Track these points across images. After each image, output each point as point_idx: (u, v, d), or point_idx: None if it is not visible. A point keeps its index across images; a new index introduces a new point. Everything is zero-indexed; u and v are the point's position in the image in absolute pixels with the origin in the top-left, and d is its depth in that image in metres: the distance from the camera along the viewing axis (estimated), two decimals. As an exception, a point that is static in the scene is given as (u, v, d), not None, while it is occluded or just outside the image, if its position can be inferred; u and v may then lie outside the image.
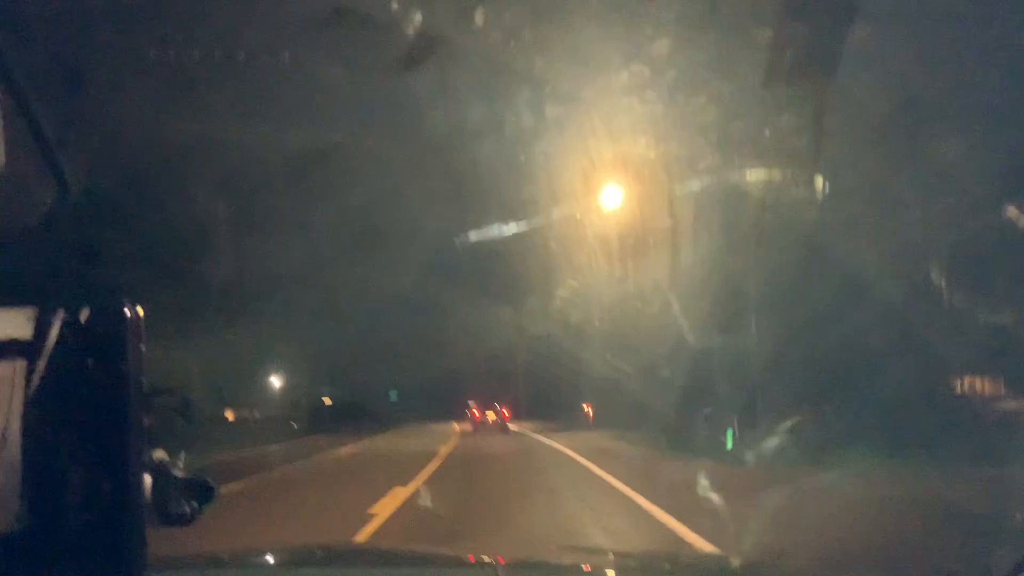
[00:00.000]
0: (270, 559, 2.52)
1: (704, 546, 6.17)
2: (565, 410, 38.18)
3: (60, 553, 1.06)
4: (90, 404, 1.06)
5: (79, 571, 1.07)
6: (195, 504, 1.20)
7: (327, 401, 39.03)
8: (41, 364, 1.05)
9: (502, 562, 2.62)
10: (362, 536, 7.03)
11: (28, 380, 1.05)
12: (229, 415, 26.34)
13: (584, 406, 32.82)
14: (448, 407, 48.17)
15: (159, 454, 1.17)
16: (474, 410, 41.03)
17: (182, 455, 1.20)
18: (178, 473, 1.18)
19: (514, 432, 33.15)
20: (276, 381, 36.06)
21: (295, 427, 30.93)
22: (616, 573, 2.23)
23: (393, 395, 50.02)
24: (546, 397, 45.11)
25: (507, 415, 40.30)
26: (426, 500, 9.40)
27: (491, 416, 39.55)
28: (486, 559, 2.74)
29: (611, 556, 2.59)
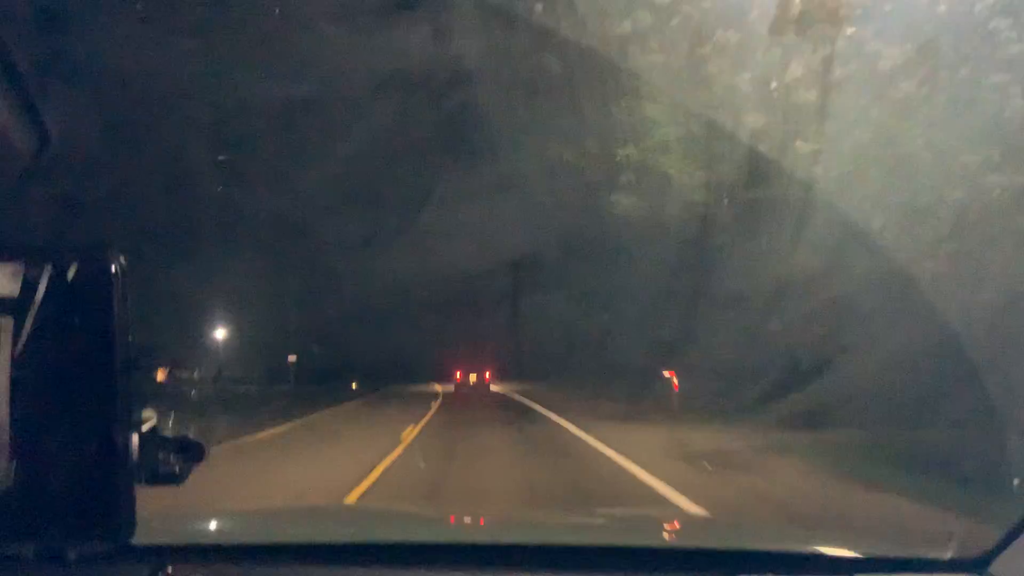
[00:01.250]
0: (258, 518, 2.52)
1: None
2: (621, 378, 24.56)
3: (48, 511, 1.05)
4: (77, 361, 1.05)
5: (67, 529, 1.07)
6: (184, 463, 1.19)
7: (291, 359, 36.26)
8: (28, 321, 1.03)
9: (482, 523, 2.65)
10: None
11: (15, 337, 1.03)
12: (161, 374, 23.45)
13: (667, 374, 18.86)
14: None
15: (148, 413, 1.16)
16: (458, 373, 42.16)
17: (172, 414, 1.19)
18: (167, 432, 1.17)
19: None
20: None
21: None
22: (599, 531, 2.25)
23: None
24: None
25: (488, 378, 41.87)
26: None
27: (473, 378, 41.07)
28: (467, 520, 2.76)
29: (595, 513, 2.61)
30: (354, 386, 41.50)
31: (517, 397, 30.29)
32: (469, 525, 2.51)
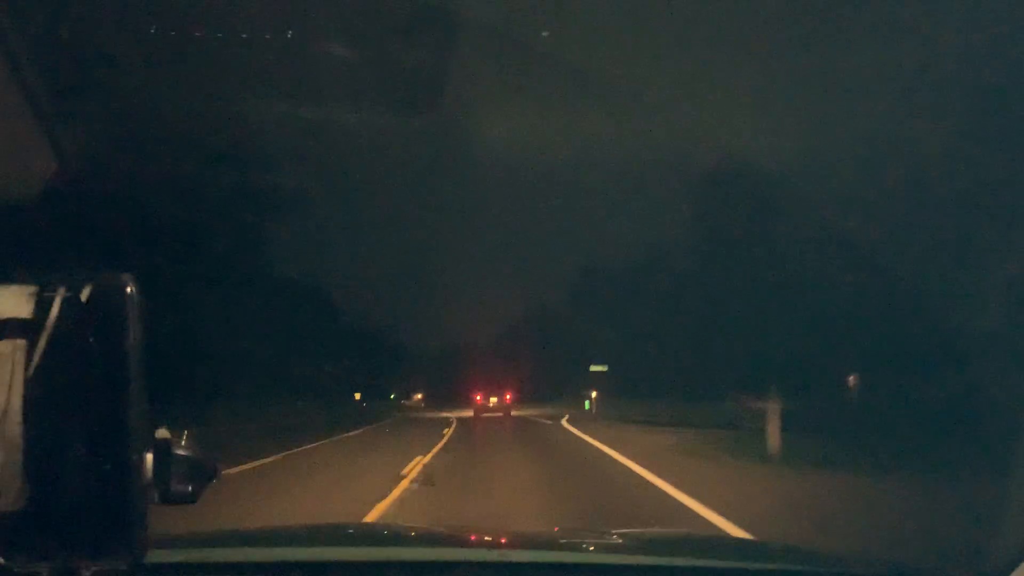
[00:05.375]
0: (274, 538, 2.53)
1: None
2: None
3: (62, 531, 1.06)
4: (91, 382, 1.06)
5: (81, 549, 1.08)
6: (197, 483, 1.20)
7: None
8: (41, 343, 1.05)
9: (504, 542, 2.64)
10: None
11: (28, 359, 1.05)
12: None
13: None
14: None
15: (161, 432, 1.17)
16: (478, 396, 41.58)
17: (185, 433, 1.20)
18: (180, 451, 1.18)
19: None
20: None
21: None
22: (619, 551, 2.24)
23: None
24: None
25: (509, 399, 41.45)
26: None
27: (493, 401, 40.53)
28: (488, 538, 2.75)
29: (615, 535, 2.60)
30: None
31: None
32: (485, 542, 2.50)
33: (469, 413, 39.98)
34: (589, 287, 47.91)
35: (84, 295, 1.06)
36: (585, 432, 21.69)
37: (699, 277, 29.74)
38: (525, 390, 54.63)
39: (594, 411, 35.84)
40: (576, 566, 1.98)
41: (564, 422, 29.03)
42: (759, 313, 21.35)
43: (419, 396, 73.57)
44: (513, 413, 39.83)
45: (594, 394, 37.03)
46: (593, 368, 39.38)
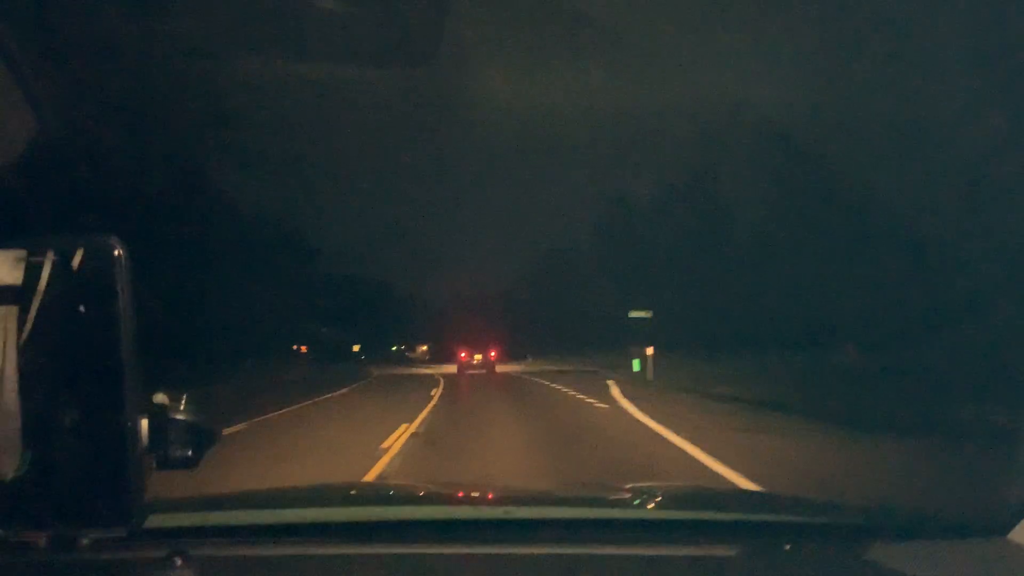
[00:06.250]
0: (275, 499, 2.53)
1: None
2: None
3: (59, 498, 1.06)
4: (83, 347, 1.05)
5: (78, 517, 1.07)
6: (197, 447, 1.18)
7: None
8: (32, 308, 1.03)
9: (495, 497, 2.65)
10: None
11: (20, 325, 1.03)
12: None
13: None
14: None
15: (159, 397, 1.15)
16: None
17: (183, 398, 1.18)
18: (178, 416, 1.16)
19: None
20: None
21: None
22: (626, 506, 2.25)
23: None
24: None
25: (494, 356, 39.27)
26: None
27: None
28: (481, 494, 2.76)
29: (623, 490, 2.61)
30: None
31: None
32: (483, 499, 2.51)
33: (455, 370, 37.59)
34: (619, 221, 41.01)
35: (75, 259, 1.04)
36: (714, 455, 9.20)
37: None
38: (544, 343, 49.50)
39: (649, 375, 25.09)
40: (585, 521, 1.99)
41: (620, 399, 17.55)
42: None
43: (423, 348, 73.55)
44: (528, 371, 36.81)
45: (649, 351, 25.62)
46: (634, 314, 29.44)
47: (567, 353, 45.16)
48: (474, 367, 37.65)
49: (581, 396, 18.76)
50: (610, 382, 24.04)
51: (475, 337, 42.51)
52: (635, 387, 21.50)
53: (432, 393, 21.81)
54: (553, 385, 24.46)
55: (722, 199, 31.14)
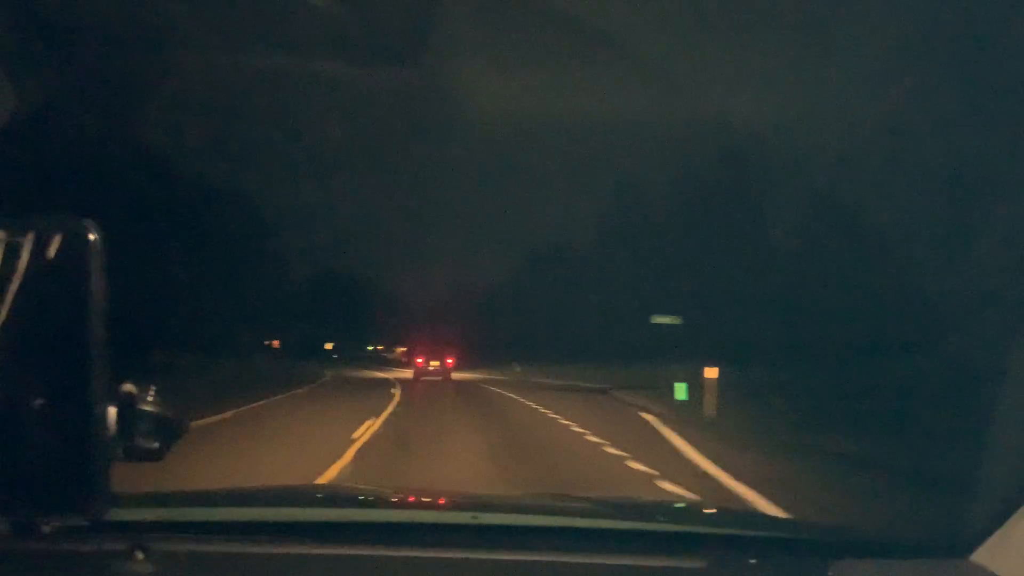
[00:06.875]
0: (239, 498, 2.50)
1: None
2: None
3: (22, 485, 1.04)
4: (52, 332, 1.03)
5: (40, 505, 1.05)
6: (164, 439, 1.16)
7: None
8: (10, 291, 1.00)
9: (461, 502, 2.64)
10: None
11: None
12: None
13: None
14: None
15: (127, 387, 1.13)
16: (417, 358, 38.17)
17: (151, 388, 1.16)
18: (147, 407, 1.14)
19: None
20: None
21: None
22: (589, 516, 2.25)
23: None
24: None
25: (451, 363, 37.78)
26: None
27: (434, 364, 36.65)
28: (446, 499, 2.75)
29: (583, 500, 2.61)
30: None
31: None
32: (447, 504, 2.50)
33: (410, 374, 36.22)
34: (626, 219, 33.90)
35: (52, 244, 1.01)
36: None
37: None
38: (536, 350, 41.25)
39: (709, 409, 14.81)
40: (553, 529, 1.99)
41: (720, 477, 8.06)
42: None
43: (402, 349, 72.77)
44: (507, 381, 32.90)
45: (712, 373, 15.27)
46: (658, 320, 23.98)
47: (565, 362, 36.22)
48: (430, 373, 36.14)
49: (631, 463, 8.87)
50: (649, 418, 15.05)
51: (437, 342, 41.25)
52: (703, 433, 11.89)
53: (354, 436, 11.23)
54: (554, 416, 15.03)
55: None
